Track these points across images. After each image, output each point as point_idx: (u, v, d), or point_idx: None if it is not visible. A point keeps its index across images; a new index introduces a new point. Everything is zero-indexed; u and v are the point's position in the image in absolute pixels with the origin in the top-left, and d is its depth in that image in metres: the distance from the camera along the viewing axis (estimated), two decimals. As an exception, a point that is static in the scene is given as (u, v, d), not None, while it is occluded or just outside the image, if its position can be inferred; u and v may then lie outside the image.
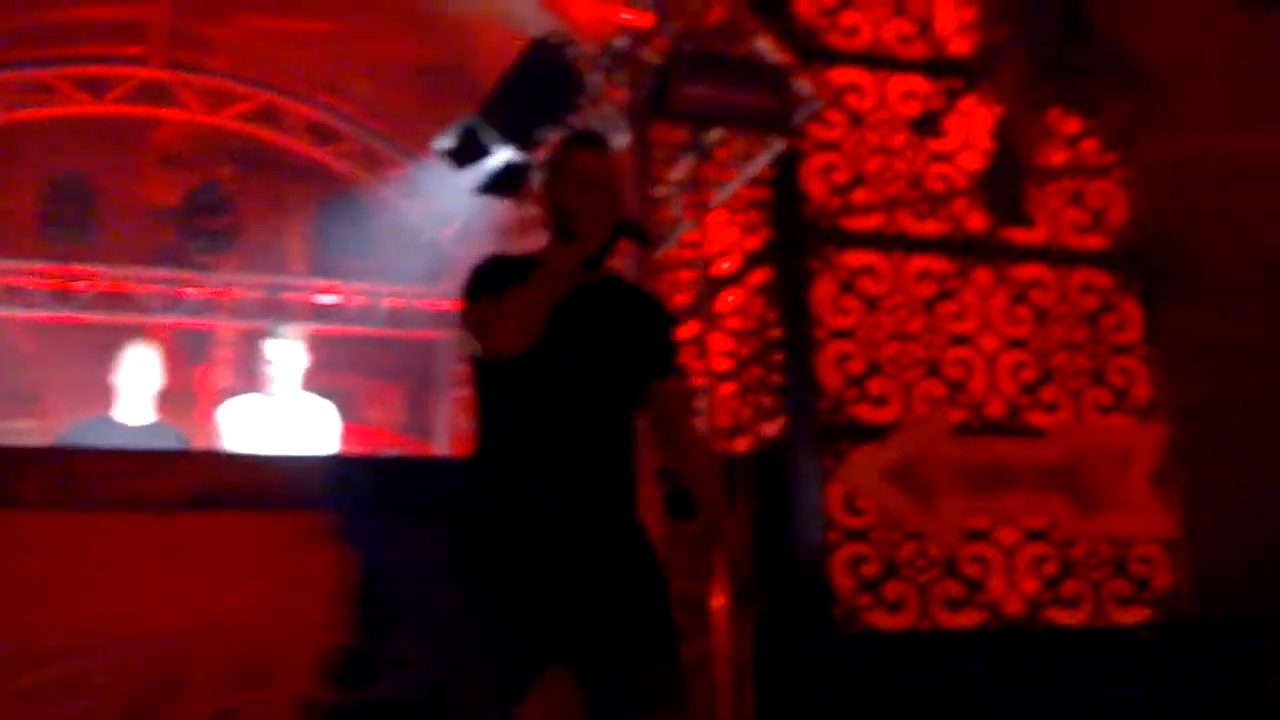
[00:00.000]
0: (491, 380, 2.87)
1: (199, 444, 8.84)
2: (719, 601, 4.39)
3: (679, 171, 4.66)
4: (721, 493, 3.05)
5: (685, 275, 4.92)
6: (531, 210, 5.89)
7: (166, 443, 5.26)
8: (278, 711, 3.81)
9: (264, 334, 5.79)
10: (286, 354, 5.57)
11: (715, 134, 4.76)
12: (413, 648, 3.84)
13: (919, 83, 5.95)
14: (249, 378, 9.34)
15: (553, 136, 4.79)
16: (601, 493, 2.82)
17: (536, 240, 2.97)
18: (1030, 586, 5.62)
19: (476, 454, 2.90)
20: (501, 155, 5.01)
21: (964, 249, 5.87)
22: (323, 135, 9.72)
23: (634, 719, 2.71)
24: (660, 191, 4.70)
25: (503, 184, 5.26)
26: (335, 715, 3.83)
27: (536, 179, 2.93)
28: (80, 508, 3.79)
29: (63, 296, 8.83)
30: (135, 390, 5.33)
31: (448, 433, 9.75)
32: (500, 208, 6.93)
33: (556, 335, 2.73)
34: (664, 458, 2.99)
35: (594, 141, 3.01)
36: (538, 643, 2.68)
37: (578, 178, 2.86)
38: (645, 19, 4.54)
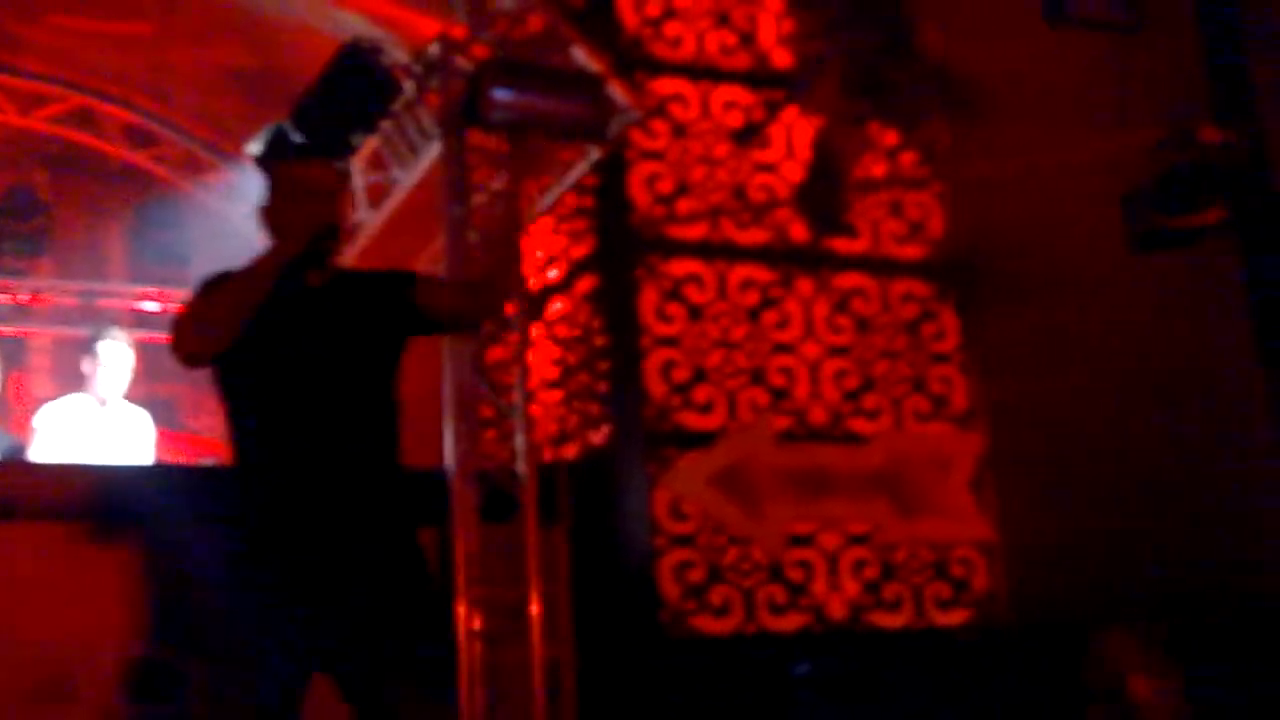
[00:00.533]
0: (225, 385, 2.88)
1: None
2: (535, 609, 4.36)
3: (499, 181, 4.64)
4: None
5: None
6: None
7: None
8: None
9: (84, 340, 5.58)
10: (116, 356, 5.39)
11: (532, 143, 4.75)
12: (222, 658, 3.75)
13: (741, 94, 6.01)
14: (67, 384, 9.06)
15: (365, 141, 4.75)
16: (338, 489, 2.78)
17: None
18: (853, 590, 5.71)
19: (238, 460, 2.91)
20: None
21: (787, 258, 5.94)
22: (141, 139, 9.44)
23: None
24: (479, 200, 4.67)
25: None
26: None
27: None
28: None
29: None
30: None
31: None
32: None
33: (276, 336, 2.77)
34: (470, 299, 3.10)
35: (303, 151, 3.10)
36: (297, 655, 2.65)
37: (284, 188, 2.94)
38: (458, 27, 4.50)
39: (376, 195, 5.53)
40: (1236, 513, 5.13)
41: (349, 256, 6.06)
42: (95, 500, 3.93)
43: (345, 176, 3.23)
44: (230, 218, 9.29)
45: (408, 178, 5.19)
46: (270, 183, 3.00)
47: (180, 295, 9.27)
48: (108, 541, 3.86)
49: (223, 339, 2.71)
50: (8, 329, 9.01)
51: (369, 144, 5.09)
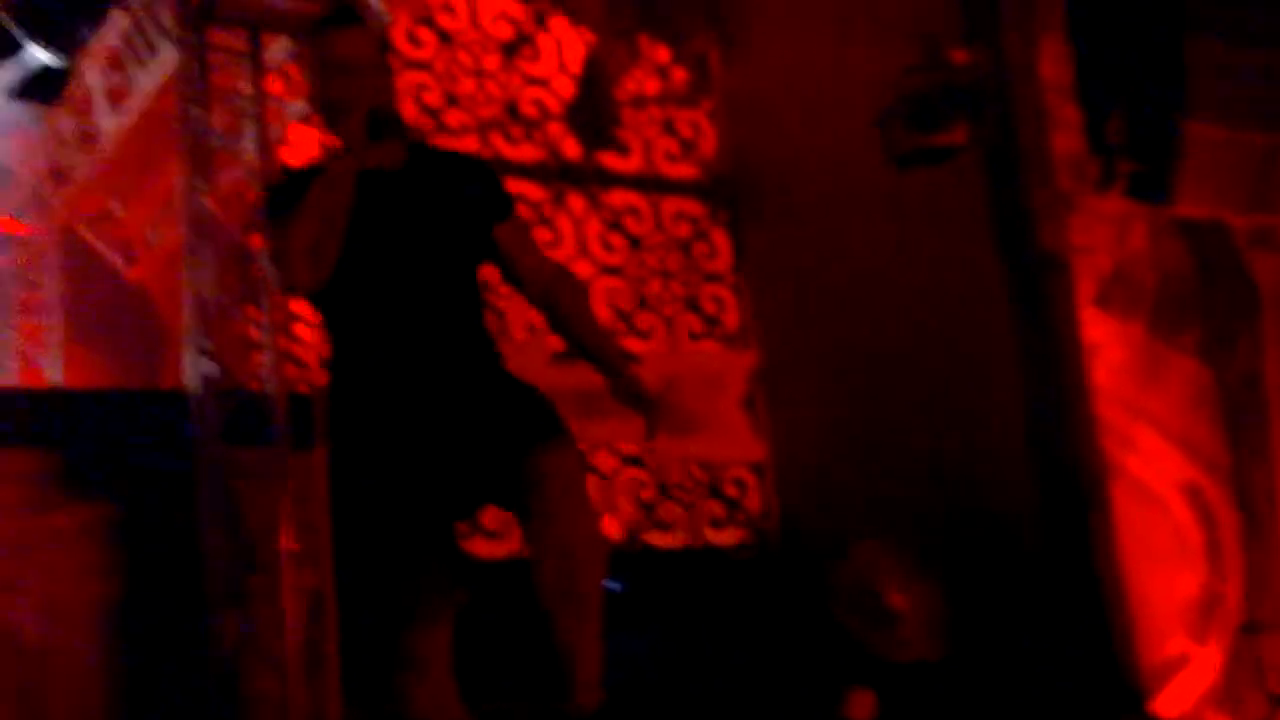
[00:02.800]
0: (328, 298, 2.61)
1: None
2: (288, 541, 4.14)
3: (249, 84, 4.34)
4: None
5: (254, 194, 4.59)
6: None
7: None
8: None
9: None
10: None
11: (282, 45, 4.47)
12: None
13: (510, 5, 5.84)
14: None
15: (99, 36, 4.39)
16: (461, 370, 2.64)
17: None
18: (629, 511, 5.67)
19: (336, 373, 2.70)
20: (38, 55, 4.55)
21: (559, 175, 5.82)
22: None
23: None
24: (236, 104, 4.38)
25: (39, 88, 4.79)
26: None
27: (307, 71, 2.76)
28: None
29: None
30: None
31: (15, 363, 8.94)
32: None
33: (376, 233, 2.55)
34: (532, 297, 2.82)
35: (347, 20, 2.73)
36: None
37: (335, 64, 2.61)
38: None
39: (118, 98, 5.14)
40: (976, 434, 5.21)
41: (90, 166, 5.69)
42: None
43: (385, 46, 2.89)
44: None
45: (148, 79, 4.82)
46: (314, 58, 2.67)
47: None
48: None
49: (332, 260, 2.47)
50: None
51: (107, 41, 4.73)
